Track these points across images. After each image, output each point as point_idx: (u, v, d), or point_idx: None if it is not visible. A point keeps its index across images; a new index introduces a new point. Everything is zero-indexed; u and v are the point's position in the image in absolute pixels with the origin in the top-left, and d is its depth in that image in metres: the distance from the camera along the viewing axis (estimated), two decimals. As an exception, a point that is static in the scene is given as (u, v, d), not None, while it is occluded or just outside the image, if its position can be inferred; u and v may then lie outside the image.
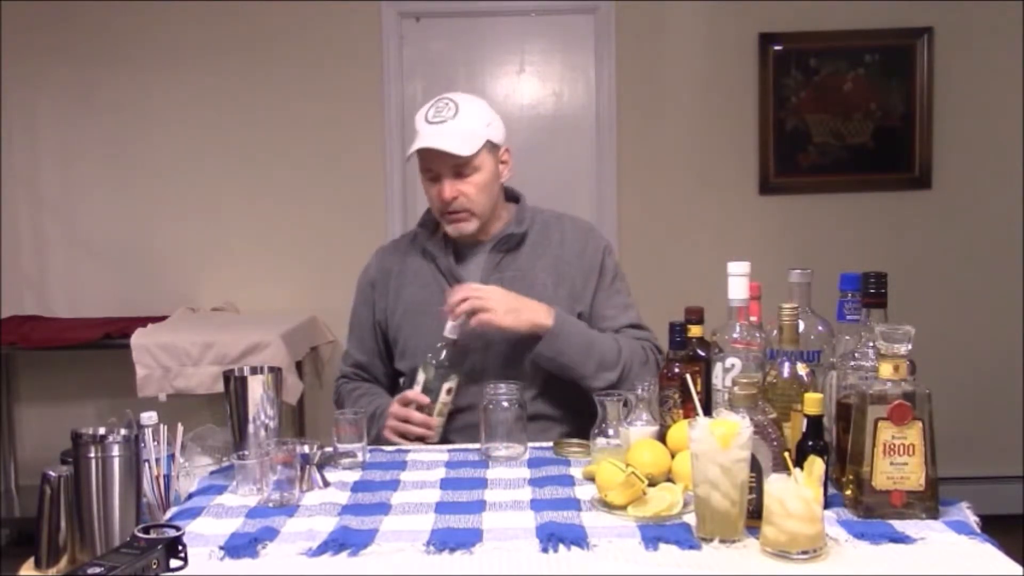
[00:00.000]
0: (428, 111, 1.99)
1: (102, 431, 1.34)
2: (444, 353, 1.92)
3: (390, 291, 2.11)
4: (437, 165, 1.97)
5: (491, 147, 2.00)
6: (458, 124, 1.95)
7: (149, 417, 1.51)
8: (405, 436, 1.93)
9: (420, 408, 1.92)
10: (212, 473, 1.69)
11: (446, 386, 1.92)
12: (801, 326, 1.54)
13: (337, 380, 2.22)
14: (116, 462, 1.30)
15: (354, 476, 1.66)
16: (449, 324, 1.91)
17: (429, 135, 1.95)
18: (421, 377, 1.93)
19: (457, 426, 1.97)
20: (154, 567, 1.18)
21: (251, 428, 1.61)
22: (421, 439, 1.93)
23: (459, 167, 1.96)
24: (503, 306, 1.88)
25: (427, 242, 2.09)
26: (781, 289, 1.60)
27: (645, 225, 3.94)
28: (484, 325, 1.89)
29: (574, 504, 1.46)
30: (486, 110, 2.02)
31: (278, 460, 1.50)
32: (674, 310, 1.72)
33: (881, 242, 3.87)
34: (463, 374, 1.95)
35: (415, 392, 1.92)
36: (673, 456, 1.54)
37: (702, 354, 1.64)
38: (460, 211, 1.99)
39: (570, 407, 1.99)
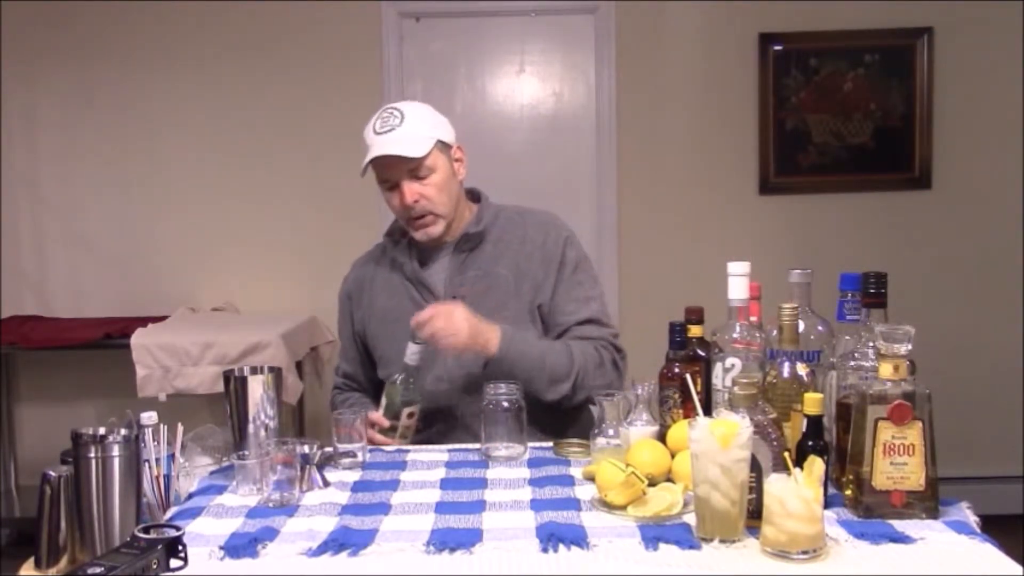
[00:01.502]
0: (375, 123, 2.00)
1: (102, 431, 1.34)
2: (404, 377, 1.92)
3: (364, 302, 2.13)
4: (393, 173, 1.99)
5: (442, 146, 2.02)
6: (405, 130, 1.96)
7: (149, 417, 1.51)
8: None
9: (383, 430, 1.92)
10: (212, 473, 1.69)
11: (407, 410, 1.92)
12: (801, 326, 1.54)
13: (332, 390, 2.26)
14: (116, 462, 1.30)
15: (354, 476, 1.67)
16: (409, 351, 1.90)
17: (379, 145, 1.97)
18: (384, 400, 1.94)
19: (434, 433, 2.00)
20: (154, 567, 1.18)
21: (251, 428, 1.61)
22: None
23: (414, 170, 1.97)
24: (464, 331, 1.85)
25: (393, 251, 2.11)
26: (781, 289, 1.60)
27: (645, 225, 3.94)
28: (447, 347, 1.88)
29: (574, 504, 1.46)
30: (432, 113, 2.05)
31: (278, 460, 1.50)
32: (674, 310, 1.72)
33: (881, 242, 3.87)
34: (432, 379, 1.96)
35: (376, 414, 1.94)
36: (673, 456, 1.54)
37: (702, 354, 1.64)
38: (424, 214, 2.00)
39: (541, 402, 1.97)
